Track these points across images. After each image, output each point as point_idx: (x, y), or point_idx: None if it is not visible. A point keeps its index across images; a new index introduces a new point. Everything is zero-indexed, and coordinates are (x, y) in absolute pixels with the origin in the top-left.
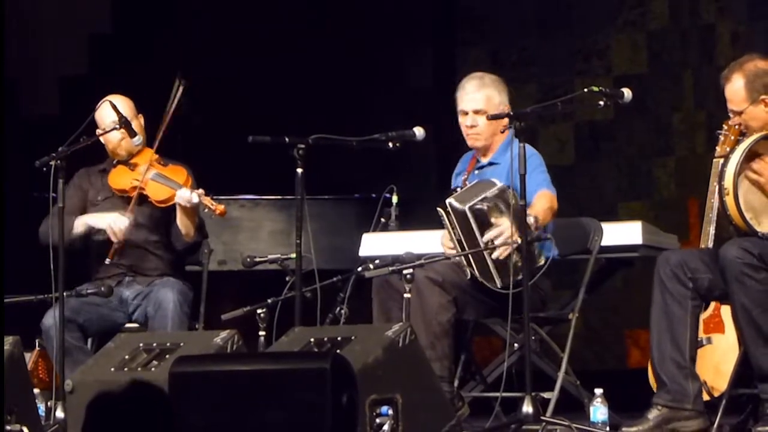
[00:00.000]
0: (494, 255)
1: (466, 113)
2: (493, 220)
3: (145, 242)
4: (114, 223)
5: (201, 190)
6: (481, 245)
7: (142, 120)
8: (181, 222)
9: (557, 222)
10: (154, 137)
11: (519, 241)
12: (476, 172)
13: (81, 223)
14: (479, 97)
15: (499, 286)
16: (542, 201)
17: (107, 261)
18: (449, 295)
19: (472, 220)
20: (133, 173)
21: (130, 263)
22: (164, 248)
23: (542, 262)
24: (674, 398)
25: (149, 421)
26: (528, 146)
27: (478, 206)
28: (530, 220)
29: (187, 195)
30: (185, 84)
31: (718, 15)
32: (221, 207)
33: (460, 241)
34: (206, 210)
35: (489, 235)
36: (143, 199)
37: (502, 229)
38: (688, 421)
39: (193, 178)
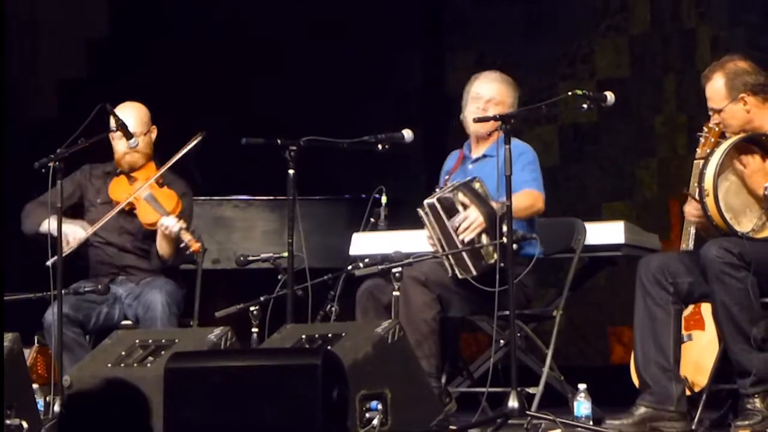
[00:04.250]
0: (461, 236)
1: (480, 98)
2: (459, 207)
3: (135, 248)
4: (72, 233)
5: (183, 224)
6: (452, 233)
7: (154, 134)
8: (160, 245)
9: (542, 222)
10: (160, 151)
11: (482, 222)
12: (470, 166)
13: (46, 225)
14: (497, 87)
15: (474, 274)
16: (523, 197)
17: (47, 263)
18: (433, 293)
19: (440, 210)
20: (130, 187)
21: (122, 265)
22: (152, 255)
23: (491, 260)
24: (658, 400)
25: (126, 419)
26: (523, 144)
27: (445, 195)
28: (496, 205)
29: (169, 224)
30: (204, 138)
31: (698, 20)
32: (197, 245)
33: (440, 241)
34: (182, 245)
35: (456, 220)
36: (133, 213)
37: (468, 213)
38: (671, 422)
39: (187, 201)
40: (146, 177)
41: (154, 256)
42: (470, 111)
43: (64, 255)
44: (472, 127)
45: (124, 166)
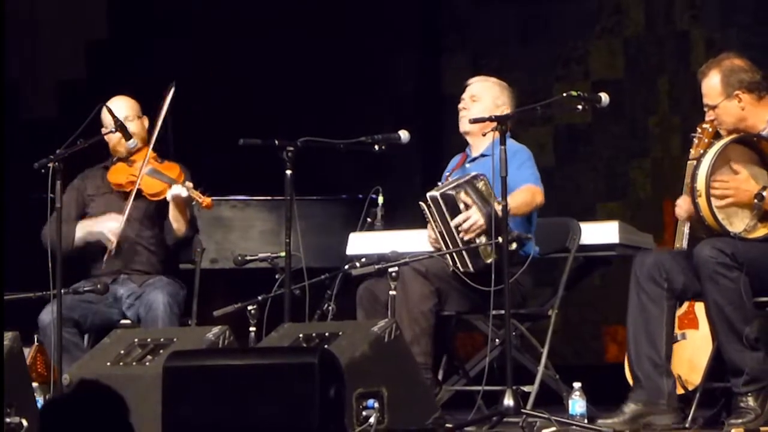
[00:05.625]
0: (461, 236)
1: (463, 99)
2: (461, 206)
3: (139, 237)
4: (110, 228)
5: (190, 184)
6: (453, 230)
7: (146, 122)
8: (173, 216)
9: (538, 222)
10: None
11: (483, 224)
12: (467, 165)
13: (80, 233)
14: (478, 86)
15: (471, 270)
16: (522, 193)
17: (104, 260)
18: (432, 286)
19: (443, 206)
20: (130, 169)
21: (124, 261)
22: (157, 244)
23: (489, 260)
24: (649, 395)
25: (104, 421)
26: (516, 143)
27: (448, 192)
28: (498, 206)
29: (177, 188)
30: (174, 88)
31: (692, 22)
32: (208, 199)
33: (442, 234)
34: (194, 203)
35: (457, 219)
36: (138, 193)
37: (469, 213)
38: (662, 416)
39: (188, 175)
40: (143, 157)
41: (160, 246)
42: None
43: (113, 253)
44: (460, 128)
45: (122, 151)
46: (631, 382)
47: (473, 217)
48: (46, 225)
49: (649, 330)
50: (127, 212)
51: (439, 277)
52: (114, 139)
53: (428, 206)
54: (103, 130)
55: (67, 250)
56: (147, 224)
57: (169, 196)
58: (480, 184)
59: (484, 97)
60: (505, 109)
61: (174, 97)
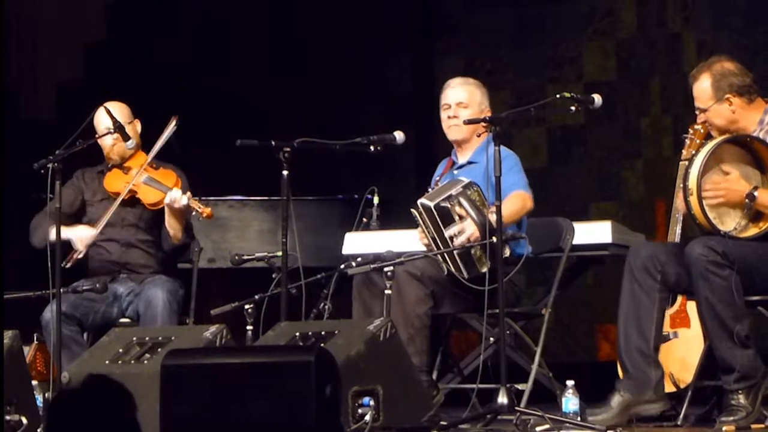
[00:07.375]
0: (455, 244)
1: (449, 106)
2: (456, 217)
3: (137, 241)
4: (80, 236)
5: (189, 193)
6: (447, 239)
7: (138, 126)
8: (170, 224)
9: (531, 222)
10: (149, 142)
11: (478, 236)
12: (455, 172)
13: (53, 234)
14: (462, 91)
15: (465, 276)
16: (513, 201)
17: (65, 265)
18: (427, 289)
19: (437, 217)
20: (126, 176)
21: (123, 261)
22: (156, 247)
23: (484, 269)
24: (637, 385)
25: (111, 416)
26: (504, 148)
27: (442, 204)
28: (491, 215)
29: (176, 197)
30: (178, 124)
31: (684, 24)
32: (208, 210)
33: (434, 239)
34: (194, 213)
35: (451, 231)
36: (135, 201)
37: (464, 225)
38: (650, 405)
39: (184, 181)
40: (139, 164)
41: (158, 249)
42: (443, 120)
43: (79, 257)
44: (449, 135)
45: (116, 159)
46: (621, 376)
47: (468, 230)
48: (34, 218)
49: (640, 320)
50: (104, 221)
51: (434, 280)
52: (107, 146)
53: (420, 213)
54: (97, 135)
55: (41, 245)
56: (144, 229)
57: (166, 203)
58: (474, 195)
59: (471, 104)
60: (487, 113)
61: (174, 132)
